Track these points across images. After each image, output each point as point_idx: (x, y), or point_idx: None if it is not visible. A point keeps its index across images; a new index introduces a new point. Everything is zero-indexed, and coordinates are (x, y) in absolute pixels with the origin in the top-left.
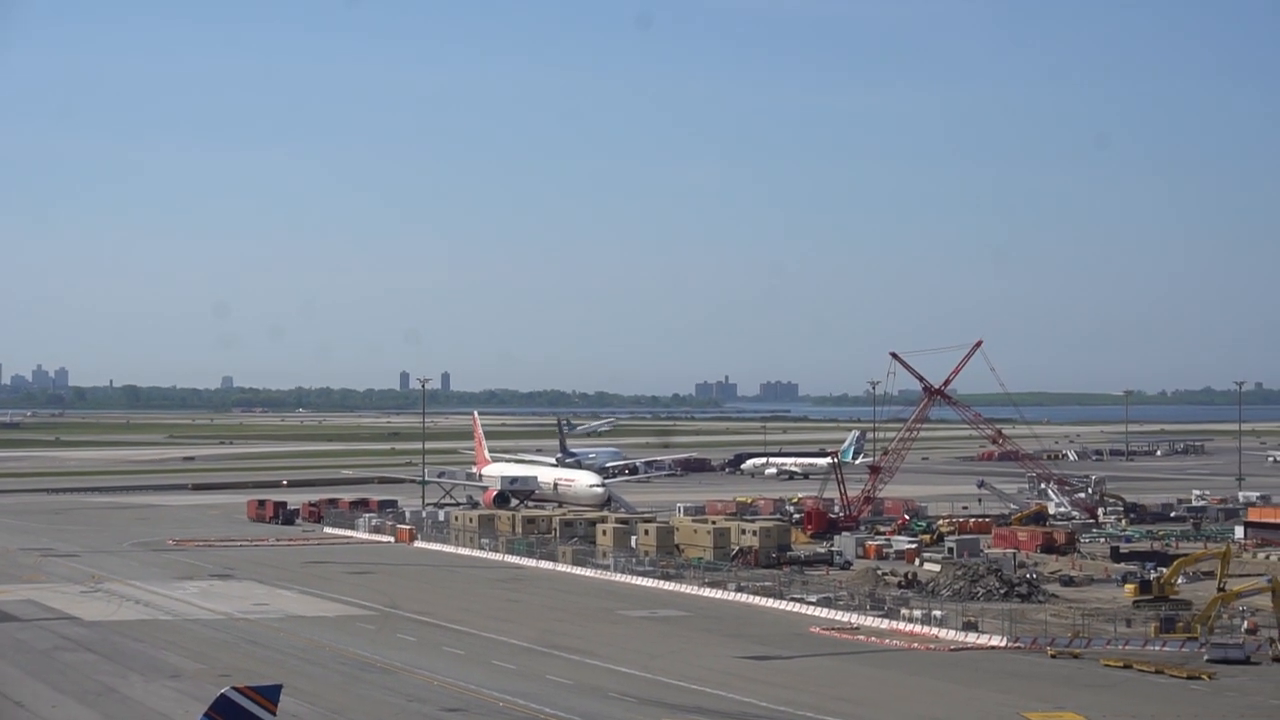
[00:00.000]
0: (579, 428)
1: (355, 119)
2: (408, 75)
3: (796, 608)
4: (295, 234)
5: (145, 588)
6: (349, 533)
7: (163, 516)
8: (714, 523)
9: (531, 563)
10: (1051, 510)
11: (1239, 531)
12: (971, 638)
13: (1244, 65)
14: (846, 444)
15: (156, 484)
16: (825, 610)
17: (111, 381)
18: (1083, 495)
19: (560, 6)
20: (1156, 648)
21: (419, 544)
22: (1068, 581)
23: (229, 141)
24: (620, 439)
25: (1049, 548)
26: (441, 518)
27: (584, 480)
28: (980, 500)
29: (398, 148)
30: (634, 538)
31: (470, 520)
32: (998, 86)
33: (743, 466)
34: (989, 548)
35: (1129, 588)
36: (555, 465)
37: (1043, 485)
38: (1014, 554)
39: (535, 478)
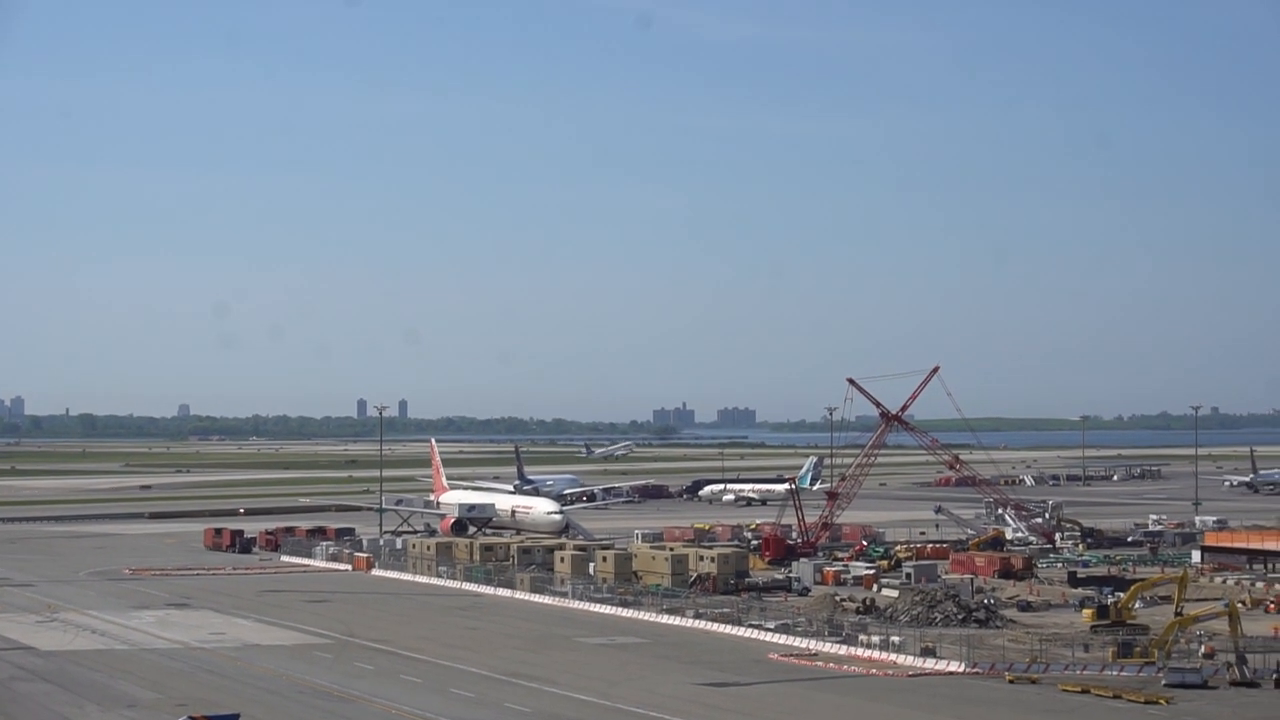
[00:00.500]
0: (597, 451)
1: (296, 150)
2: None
3: (755, 634)
4: (254, 261)
5: (102, 617)
6: (306, 561)
7: (119, 545)
8: (672, 549)
9: (490, 590)
10: (1009, 535)
11: (1196, 556)
12: (930, 663)
13: (1200, 90)
14: (804, 470)
15: (113, 513)
16: (783, 637)
17: (68, 410)
18: (1040, 520)
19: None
20: (1114, 672)
21: (377, 572)
22: (1025, 607)
23: (187, 162)
24: (577, 466)
25: (1006, 573)
26: (399, 546)
27: (542, 507)
28: (938, 526)
29: (363, 174)
30: (592, 565)
31: (428, 548)
32: (952, 112)
33: (701, 493)
34: (946, 573)
35: (1086, 613)
36: (513, 492)
37: (1000, 510)
38: (972, 579)
39: (493, 505)
